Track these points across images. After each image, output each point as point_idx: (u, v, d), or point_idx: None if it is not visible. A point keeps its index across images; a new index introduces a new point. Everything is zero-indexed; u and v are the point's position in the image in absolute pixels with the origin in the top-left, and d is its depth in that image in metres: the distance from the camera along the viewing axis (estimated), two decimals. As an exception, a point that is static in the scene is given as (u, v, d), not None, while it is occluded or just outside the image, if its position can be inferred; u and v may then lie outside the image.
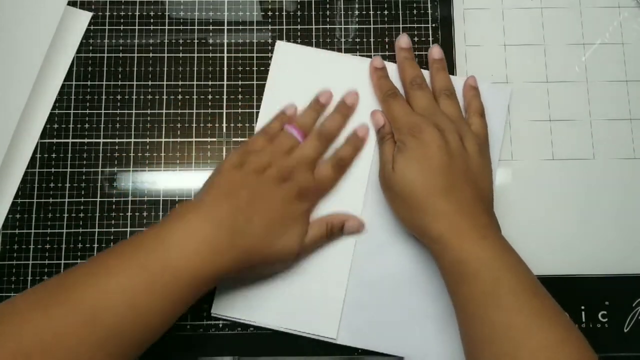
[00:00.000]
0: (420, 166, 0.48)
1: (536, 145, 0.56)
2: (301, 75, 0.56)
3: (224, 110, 0.56)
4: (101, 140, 0.55)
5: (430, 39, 0.58)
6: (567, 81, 0.57)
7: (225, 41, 0.58)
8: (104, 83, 0.56)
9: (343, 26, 0.58)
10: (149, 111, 0.56)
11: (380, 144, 0.54)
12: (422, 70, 0.55)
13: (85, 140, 0.55)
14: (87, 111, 0.56)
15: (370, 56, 0.57)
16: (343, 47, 0.57)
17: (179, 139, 0.56)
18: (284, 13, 0.58)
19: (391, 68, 0.56)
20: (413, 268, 0.52)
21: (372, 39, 0.58)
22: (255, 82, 0.57)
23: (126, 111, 0.56)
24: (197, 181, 0.55)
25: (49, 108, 0.56)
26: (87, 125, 0.56)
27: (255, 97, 0.56)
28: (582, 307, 0.52)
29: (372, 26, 0.58)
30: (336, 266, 0.52)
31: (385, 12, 0.58)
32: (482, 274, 0.43)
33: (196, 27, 0.58)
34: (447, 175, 0.47)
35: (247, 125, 0.56)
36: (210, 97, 0.56)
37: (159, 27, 0.58)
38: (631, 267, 0.53)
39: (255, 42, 0.58)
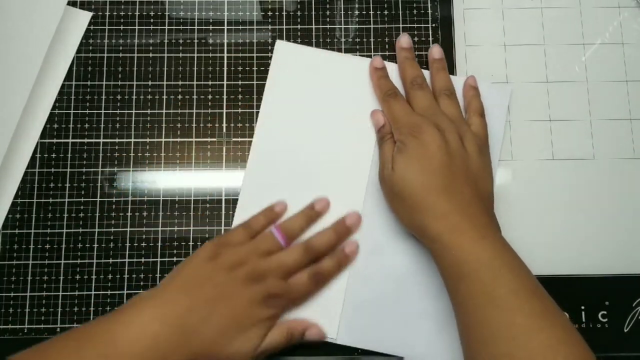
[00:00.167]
0: (420, 166, 0.48)
1: (536, 145, 0.56)
2: (301, 75, 0.56)
3: (224, 110, 0.56)
4: (101, 140, 0.55)
5: (430, 38, 0.58)
6: (567, 81, 0.57)
7: (225, 41, 0.58)
8: (104, 83, 0.56)
9: (343, 26, 0.58)
10: (149, 111, 0.56)
11: (380, 143, 0.53)
12: (422, 70, 0.55)
13: (85, 140, 0.55)
14: (87, 111, 0.56)
15: (370, 56, 0.57)
16: (343, 47, 0.57)
17: (179, 139, 0.56)
18: (284, 13, 0.58)
19: (391, 68, 0.56)
20: (413, 268, 0.52)
21: (372, 39, 0.58)
22: (255, 82, 0.57)
23: (126, 111, 0.56)
24: (197, 181, 0.55)
25: (49, 108, 0.56)
26: (87, 125, 0.56)
27: (255, 97, 0.56)
28: (582, 307, 0.52)
29: (372, 26, 0.58)
30: None
31: (385, 12, 0.58)
32: (481, 274, 0.43)
33: (196, 27, 0.58)
34: (446, 175, 0.47)
35: (247, 125, 0.56)
36: (210, 97, 0.56)
37: (159, 27, 0.58)
38: (631, 267, 0.53)
39: (255, 42, 0.58)
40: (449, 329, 0.50)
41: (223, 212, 0.54)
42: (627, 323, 0.52)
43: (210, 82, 0.57)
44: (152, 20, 0.58)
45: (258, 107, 0.56)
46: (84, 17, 0.58)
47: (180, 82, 0.57)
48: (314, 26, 0.58)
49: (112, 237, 0.54)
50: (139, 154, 0.55)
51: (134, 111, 0.56)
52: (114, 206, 0.54)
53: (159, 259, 0.53)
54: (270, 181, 0.54)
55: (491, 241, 0.45)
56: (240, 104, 0.56)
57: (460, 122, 0.51)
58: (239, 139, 0.56)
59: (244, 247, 0.49)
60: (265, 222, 0.52)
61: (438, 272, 0.47)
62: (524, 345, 0.40)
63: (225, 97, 0.56)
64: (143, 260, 0.53)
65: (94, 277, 0.53)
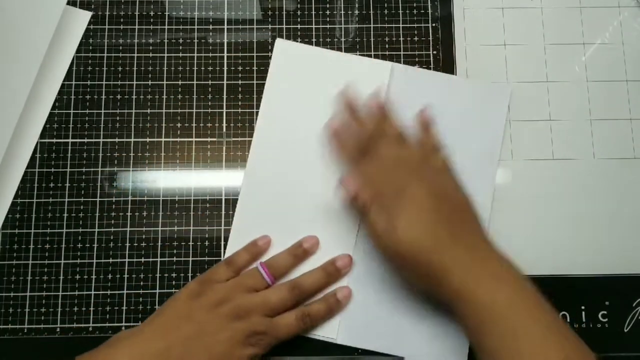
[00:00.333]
0: (421, 224, 0.46)
1: (536, 145, 0.56)
2: (300, 73, 0.56)
3: (224, 110, 0.56)
4: (101, 140, 0.55)
5: (431, 38, 0.57)
6: (567, 81, 0.57)
7: (225, 40, 0.58)
8: (104, 82, 0.56)
9: (343, 26, 0.58)
10: (148, 110, 0.56)
11: (363, 215, 0.49)
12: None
13: (85, 140, 0.55)
14: (87, 111, 0.56)
15: (370, 56, 0.57)
16: (343, 46, 0.57)
17: (178, 139, 0.56)
18: (284, 12, 0.58)
19: (386, 65, 0.56)
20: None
21: (372, 39, 0.58)
22: (255, 82, 0.57)
23: (126, 110, 0.56)
24: (197, 181, 0.55)
25: (48, 108, 0.55)
26: (87, 125, 0.56)
27: (255, 96, 0.56)
28: (582, 307, 0.52)
29: (372, 26, 0.58)
30: None
31: (385, 11, 0.58)
32: (501, 323, 0.42)
33: (196, 27, 0.58)
34: (446, 223, 0.46)
35: (247, 124, 0.56)
36: (210, 96, 0.56)
37: (159, 27, 0.58)
38: (631, 267, 0.53)
39: (255, 41, 0.57)
40: (448, 329, 0.51)
41: (223, 212, 0.54)
42: (627, 323, 0.52)
43: (210, 82, 0.57)
44: (152, 20, 0.58)
45: (258, 106, 0.56)
46: (84, 17, 0.57)
47: (180, 82, 0.57)
48: (314, 26, 0.58)
49: (112, 237, 0.54)
50: (139, 154, 0.55)
51: (134, 111, 0.56)
52: (114, 206, 0.54)
53: (159, 259, 0.53)
54: (270, 182, 0.54)
55: (507, 279, 0.44)
56: (240, 103, 0.56)
57: (427, 161, 0.50)
58: (239, 139, 0.56)
59: (227, 283, 0.49)
60: (249, 257, 0.51)
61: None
62: None
63: (225, 96, 0.56)
64: (143, 260, 0.53)
65: (94, 277, 0.53)
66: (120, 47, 0.57)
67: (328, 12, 0.58)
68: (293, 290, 0.49)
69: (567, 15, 0.58)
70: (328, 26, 0.58)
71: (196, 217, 0.54)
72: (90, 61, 0.57)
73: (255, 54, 0.57)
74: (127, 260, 0.53)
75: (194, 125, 0.56)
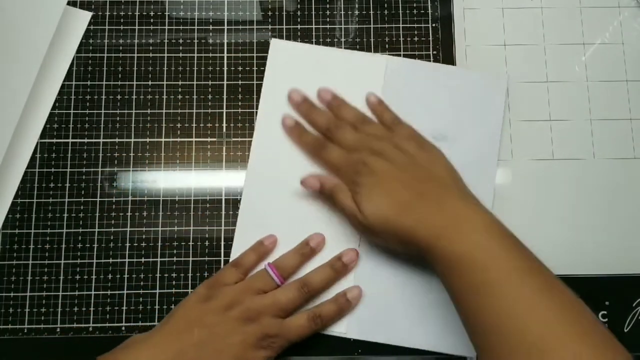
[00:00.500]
0: (382, 195, 0.48)
1: (536, 144, 0.56)
2: (297, 71, 0.56)
3: (224, 110, 0.56)
4: (101, 140, 0.55)
5: (431, 38, 0.58)
6: (567, 81, 0.57)
7: (225, 41, 0.58)
8: (104, 83, 0.56)
9: (343, 26, 0.58)
10: (149, 111, 0.56)
11: (333, 201, 0.51)
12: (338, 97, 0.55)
13: (85, 140, 0.55)
14: (87, 111, 0.56)
15: (370, 56, 0.57)
16: (343, 46, 0.57)
17: (179, 139, 0.56)
18: (284, 13, 0.58)
19: (378, 58, 0.56)
20: (419, 260, 0.52)
21: (372, 39, 0.58)
22: (255, 82, 0.57)
23: (126, 111, 0.56)
24: (197, 181, 0.55)
25: (49, 108, 0.56)
26: (87, 125, 0.56)
27: (255, 96, 0.56)
28: (582, 307, 0.52)
29: (372, 26, 0.58)
30: None
31: (385, 11, 0.58)
32: (471, 265, 0.43)
33: (196, 27, 0.58)
34: (408, 187, 0.47)
35: (247, 125, 0.56)
36: (210, 96, 0.56)
37: (159, 27, 0.58)
38: (631, 267, 0.53)
39: (255, 41, 0.58)
40: (457, 318, 0.50)
41: (223, 212, 0.54)
42: (627, 323, 0.52)
43: (210, 82, 0.57)
44: (152, 20, 0.58)
45: (258, 106, 0.56)
46: (84, 17, 0.57)
47: (180, 82, 0.57)
48: (313, 26, 0.58)
49: (112, 237, 0.54)
50: (139, 154, 0.55)
51: (134, 111, 0.56)
52: (114, 206, 0.54)
53: (159, 259, 0.53)
54: (272, 181, 0.54)
55: (471, 231, 0.44)
56: (240, 103, 0.56)
57: (389, 136, 0.51)
58: (239, 139, 0.56)
59: (237, 286, 0.49)
60: (256, 258, 0.51)
61: None
62: (532, 323, 0.39)
63: (225, 96, 0.56)
64: (143, 260, 0.53)
65: (94, 277, 0.53)
66: (121, 48, 0.57)
67: (328, 12, 0.58)
68: (302, 289, 0.49)
69: (567, 15, 0.58)
70: (328, 26, 0.58)
71: (196, 217, 0.54)
72: (90, 61, 0.57)
73: (255, 55, 0.57)
74: (127, 260, 0.53)
75: (194, 125, 0.56)
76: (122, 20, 0.58)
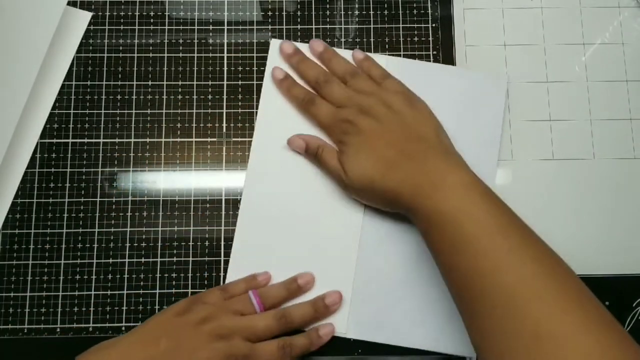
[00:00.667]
0: (367, 154, 0.48)
1: (536, 145, 0.56)
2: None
3: (224, 110, 0.56)
4: (101, 140, 0.55)
5: (431, 38, 0.58)
6: (567, 81, 0.57)
7: (225, 41, 0.58)
8: (104, 83, 0.56)
9: (343, 26, 0.58)
10: (149, 111, 0.56)
11: (317, 160, 0.52)
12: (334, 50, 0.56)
13: (85, 140, 0.55)
14: (87, 111, 0.56)
15: (370, 56, 0.57)
16: (343, 47, 0.57)
17: (179, 139, 0.56)
18: (284, 13, 0.58)
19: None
20: (419, 258, 0.52)
21: (372, 39, 0.58)
22: (255, 82, 0.57)
23: (126, 111, 0.56)
24: (197, 181, 0.55)
25: (49, 108, 0.56)
26: (87, 125, 0.56)
27: (255, 97, 0.56)
28: (582, 307, 0.52)
29: (372, 26, 0.58)
30: (342, 261, 0.52)
31: (385, 12, 0.58)
32: (451, 224, 0.43)
33: (196, 27, 0.58)
34: (394, 145, 0.48)
35: (247, 125, 0.56)
36: (210, 97, 0.56)
37: (159, 27, 0.58)
38: (631, 267, 0.53)
39: (255, 42, 0.58)
40: (459, 318, 0.50)
41: (223, 212, 0.54)
42: (627, 323, 0.52)
43: (210, 82, 0.57)
44: (152, 20, 0.58)
45: (258, 107, 0.56)
46: (84, 17, 0.58)
47: (180, 82, 0.57)
48: (314, 26, 0.58)
49: (112, 237, 0.54)
50: (139, 154, 0.55)
51: (134, 111, 0.56)
52: (114, 206, 0.54)
53: (158, 259, 0.53)
54: (271, 183, 0.54)
55: (451, 188, 0.45)
56: (240, 103, 0.56)
57: (377, 91, 0.52)
58: (239, 139, 0.56)
59: (215, 303, 0.48)
60: (245, 288, 0.51)
61: None
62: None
63: (225, 97, 0.56)
64: (143, 260, 0.53)
65: (94, 277, 0.53)
66: (121, 48, 0.57)
67: (328, 13, 0.58)
68: (280, 320, 0.48)
69: (567, 15, 0.58)
70: (328, 26, 0.58)
71: (196, 218, 0.54)
72: (90, 62, 0.57)
73: (255, 55, 0.57)
74: (127, 260, 0.53)
75: (194, 125, 0.56)
76: (122, 21, 0.58)
